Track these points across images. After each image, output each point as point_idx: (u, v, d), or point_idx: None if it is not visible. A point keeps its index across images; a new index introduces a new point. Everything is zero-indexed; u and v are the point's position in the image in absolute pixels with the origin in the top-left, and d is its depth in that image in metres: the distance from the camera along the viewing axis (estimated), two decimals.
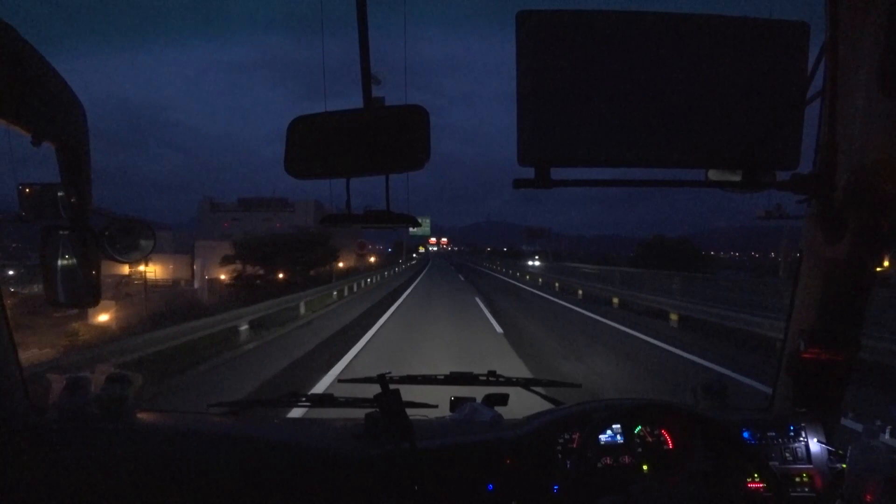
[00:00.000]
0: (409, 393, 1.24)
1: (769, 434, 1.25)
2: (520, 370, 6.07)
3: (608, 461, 1.19)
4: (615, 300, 14.65)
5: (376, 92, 1.01)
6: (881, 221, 1.11)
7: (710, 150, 1.08)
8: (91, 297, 1.13)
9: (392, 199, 1.04)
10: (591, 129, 1.05)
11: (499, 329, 9.59)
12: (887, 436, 1.08)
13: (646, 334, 9.36)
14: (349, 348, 7.62)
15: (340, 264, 25.94)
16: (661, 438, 1.22)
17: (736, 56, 1.04)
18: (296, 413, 2.27)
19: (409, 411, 1.18)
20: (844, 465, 1.12)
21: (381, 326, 9.90)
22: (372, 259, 38.95)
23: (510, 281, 28.90)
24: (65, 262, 1.11)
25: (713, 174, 1.15)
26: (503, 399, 1.52)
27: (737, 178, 1.11)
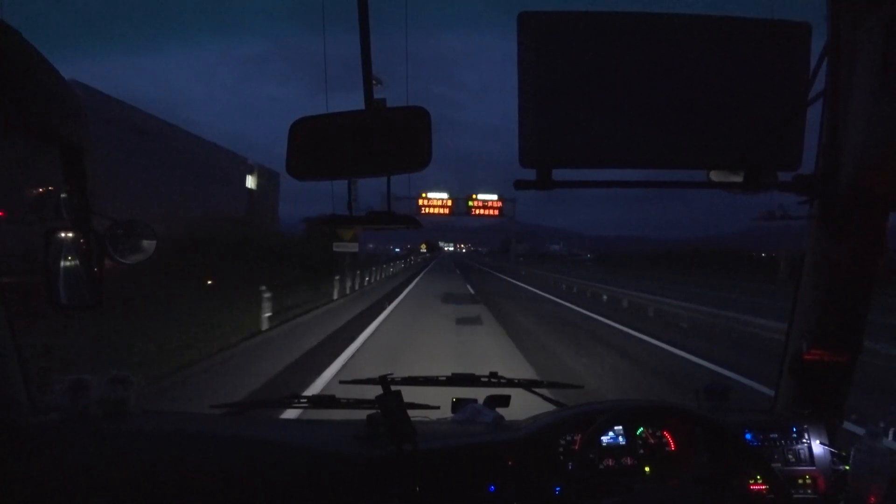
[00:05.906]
0: (410, 394, 1.24)
1: (771, 436, 1.24)
2: None
3: (610, 463, 1.18)
4: None
5: (378, 93, 1.01)
6: (884, 222, 1.10)
7: (711, 151, 1.08)
8: (93, 298, 1.13)
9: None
10: (592, 131, 1.04)
11: None
12: (890, 438, 1.07)
13: None
14: None
15: None
16: (664, 440, 1.22)
17: (738, 57, 1.04)
18: (297, 414, 2.27)
19: (411, 412, 1.18)
20: (847, 467, 1.11)
21: None
22: None
23: None
24: (67, 263, 1.11)
25: (715, 175, 1.14)
26: (505, 400, 1.52)
27: (738, 178, 1.10)
